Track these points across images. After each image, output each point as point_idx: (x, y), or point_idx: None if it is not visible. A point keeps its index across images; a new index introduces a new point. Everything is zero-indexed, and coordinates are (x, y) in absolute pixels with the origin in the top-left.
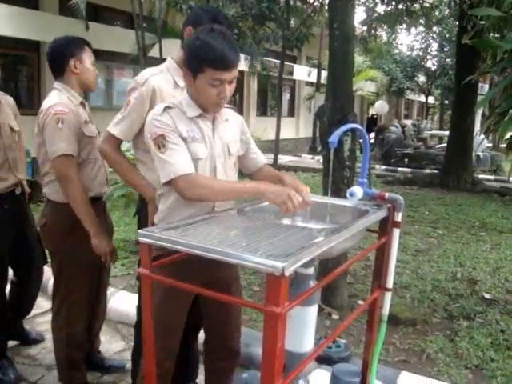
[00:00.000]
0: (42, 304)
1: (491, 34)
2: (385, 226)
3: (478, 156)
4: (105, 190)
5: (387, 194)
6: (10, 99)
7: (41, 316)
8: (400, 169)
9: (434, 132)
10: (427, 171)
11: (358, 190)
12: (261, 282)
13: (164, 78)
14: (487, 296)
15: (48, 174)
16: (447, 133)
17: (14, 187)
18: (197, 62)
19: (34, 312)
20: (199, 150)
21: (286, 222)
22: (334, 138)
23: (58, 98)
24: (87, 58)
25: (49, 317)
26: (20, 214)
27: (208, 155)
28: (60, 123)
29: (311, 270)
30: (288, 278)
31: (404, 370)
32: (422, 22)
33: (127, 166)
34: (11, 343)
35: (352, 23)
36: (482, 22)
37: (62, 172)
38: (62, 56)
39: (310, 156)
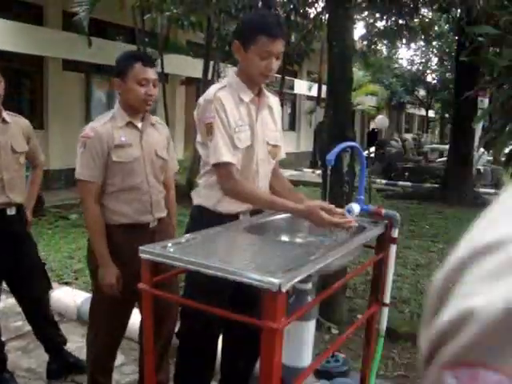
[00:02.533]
0: None
1: (491, 49)
2: (382, 242)
3: (479, 170)
4: (148, 219)
5: (384, 211)
6: (24, 121)
7: None
8: (400, 183)
9: (434, 146)
10: (427, 185)
11: (355, 207)
12: None
13: (229, 93)
14: None
15: None
16: (447, 147)
17: (4, 206)
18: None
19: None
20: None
21: (285, 238)
22: (331, 155)
23: (98, 120)
24: (132, 76)
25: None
26: (11, 236)
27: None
28: (82, 147)
29: (309, 285)
30: (285, 294)
31: None
32: (422, 37)
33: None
34: (11, 356)
35: (351, 41)
36: (480, 39)
37: (80, 196)
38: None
39: (311, 170)
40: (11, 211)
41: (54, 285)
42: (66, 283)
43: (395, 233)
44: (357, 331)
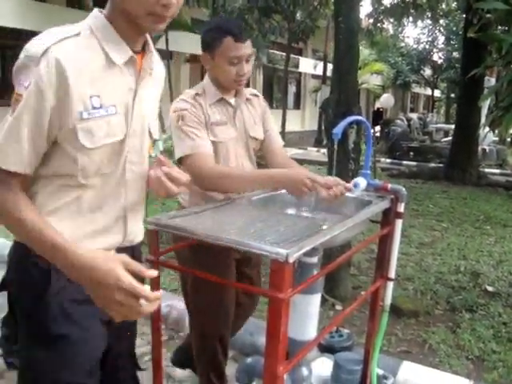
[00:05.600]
0: None
1: (498, 27)
2: (387, 217)
3: (484, 150)
4: None
5: (390, 185)
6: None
7: None
8: (405, 162)
9: (439, 126)
10: (432, 165)
11: (361, 181)
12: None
13: (84, 46)
14: (490, 289)
15: None
16: (453, 126)
17: None
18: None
19: None
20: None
21: (291, 211)
22: (338, 129)
23: (186, 93)
24: (221, 53)
25: None
26: None
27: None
28: (180, 120)
29: (315, 259)
30: (292, 265)
31: (406, 360)
32: (429, 15)
33: None
34: None
35: (357, 16)
36: (489, 16)
37: (193, 172)
38: None
39: (316, 149)
40: None
41: None
42: None
43: (401, 207)
44: (361, 307)
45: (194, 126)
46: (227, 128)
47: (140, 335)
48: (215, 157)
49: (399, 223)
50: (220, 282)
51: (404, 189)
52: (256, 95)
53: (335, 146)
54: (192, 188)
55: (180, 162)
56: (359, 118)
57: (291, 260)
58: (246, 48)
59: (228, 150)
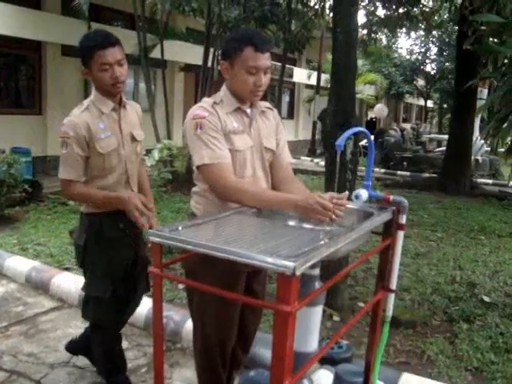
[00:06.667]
0: (44, 303)
1: (490, 40)
2: (389, 228)
3: (477, 160)
4: None
5: (392, 197)
6: (138, 107)
7: (42, 315)
8: (399, 172)
9: (432, 136)
10: (426, 175)
11: (363, 193)
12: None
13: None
14: (486, 299)
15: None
16: (446, 137)
17: None
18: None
19: (36, 311)
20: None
21: (294, 223)
22: (340, 141)
23: (203, 102)
24: (240, 63)
25: (51, 316)
26: (134, 236)
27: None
28: (198, 128)
29: (317, 271)
30: (299, 278)
31: (405, 371)
32: (422, 26)
33: None
34: (12, 341)
35: (355, 27)
36: (483, 28)
37: (212, 183)
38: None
39: (310, 159)
40: None
41: (54, 270)
42: (67, 269)
43: (403, 219)
44: (355, 317)
45: (213, 135)
46: (244, 137)
47: (136, 347)
48: (232, 164)
49: (401, 235)
50: (226, 296)
51: (406, 200)
52: (270, 108)
53: (337, 158)
54: (207, 197)
55: (198, 169)
56: (361, 129)
57: (298, 273)
58: (266, 59)
59: (245, 159)
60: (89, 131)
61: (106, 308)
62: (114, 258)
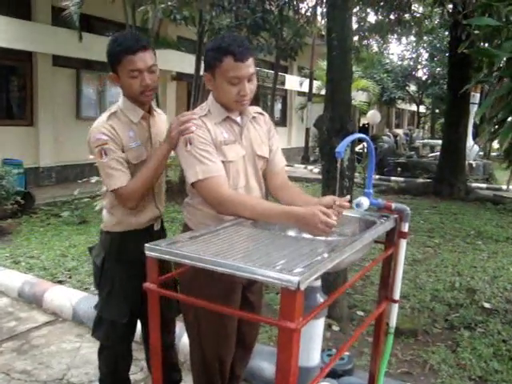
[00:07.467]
0: (37, 317)
1: (481, 44)
2: (391, 237)
3: (471, 165)
4: None
5: (394, 205)
6: (164, 115)
7: (35, 330)
8: (393, 178)
9: (426, 141)
10: (420, 180)
11: (364, 201)
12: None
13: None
14: (487, 305)
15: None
16: (439, 142)
17: (153, 222)
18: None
19: (29, 326)
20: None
21: (293, 233)
22: (340, 148)
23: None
24: (221, 74)
25: (44, 330)
26: None
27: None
28: (188, 144)
29: (319, 283)
30: (303, 293)
31: (408, 381)
32: (413, 32)
33: None
34: (5, 357)
35: (350, 33)
36: (476, 32)
37: (208, 198)
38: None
39: (303, 166)
40: (157, 226)
41: (48, 284)
42: (60, 282)
43: (405, 227)
44: (359, 329)
45: (204, 149)
46: (236, 147)
47: (133, 361)
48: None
49: (403, 243)
50: (222, 311)
51: (408, 208)
52: (261, 113)
53: (338, 165)
54: (201, 209)
55: (193, 185)
56: (362, 135)
57: (303, 287)
58: (248, 67)
59: (238, 170)
60: (120, 138)
61: (120, 333)
62: (136, 281)
